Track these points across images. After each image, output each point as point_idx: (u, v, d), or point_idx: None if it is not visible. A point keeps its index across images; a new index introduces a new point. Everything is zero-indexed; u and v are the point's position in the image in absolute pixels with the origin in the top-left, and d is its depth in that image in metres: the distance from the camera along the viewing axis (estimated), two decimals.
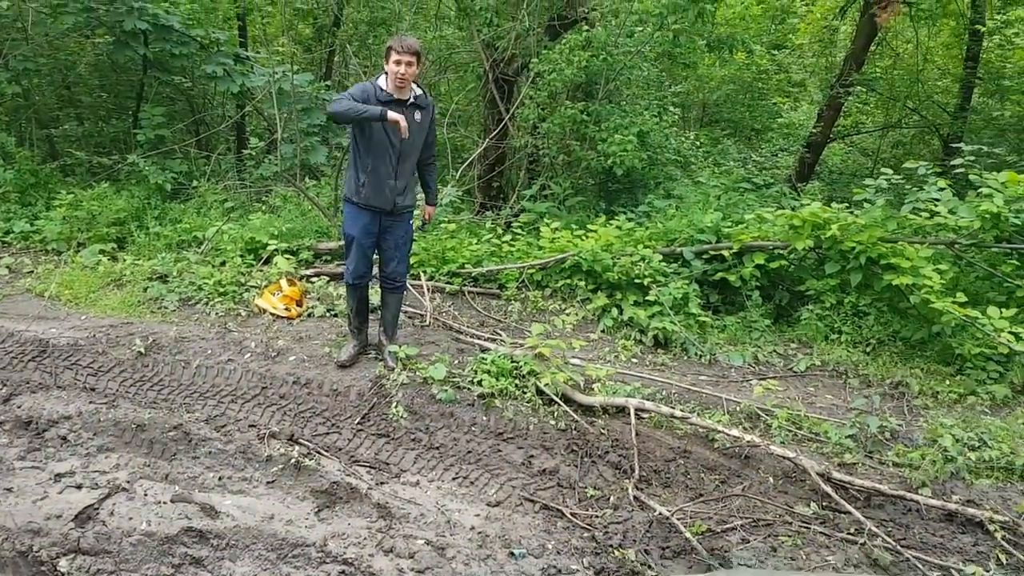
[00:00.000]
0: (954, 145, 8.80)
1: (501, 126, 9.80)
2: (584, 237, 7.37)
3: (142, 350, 5.67)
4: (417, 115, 5.18)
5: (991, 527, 4.30)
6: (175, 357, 5.67)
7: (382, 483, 4.54)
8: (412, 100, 5.14)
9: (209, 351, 5.76)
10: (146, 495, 4.22)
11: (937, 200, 6.76)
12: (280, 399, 5.28)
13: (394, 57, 4.93)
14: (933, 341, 6.39)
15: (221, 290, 6.73)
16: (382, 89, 5.07)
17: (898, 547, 4.12)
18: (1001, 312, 5.92)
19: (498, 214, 9.17)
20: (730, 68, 14.47)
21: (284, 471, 4.52)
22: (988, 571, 3.94)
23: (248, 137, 11.47)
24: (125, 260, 7.29)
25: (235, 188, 9.54)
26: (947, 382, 5.98)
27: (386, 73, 5.05)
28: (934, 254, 6.54)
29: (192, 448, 4.71)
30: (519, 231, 8.13)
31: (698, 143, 11.36)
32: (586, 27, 9.16)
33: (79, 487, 4.25)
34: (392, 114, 4.85)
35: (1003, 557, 4.14)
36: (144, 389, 5.36)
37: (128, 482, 4.31)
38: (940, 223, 6.60)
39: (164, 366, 5.59)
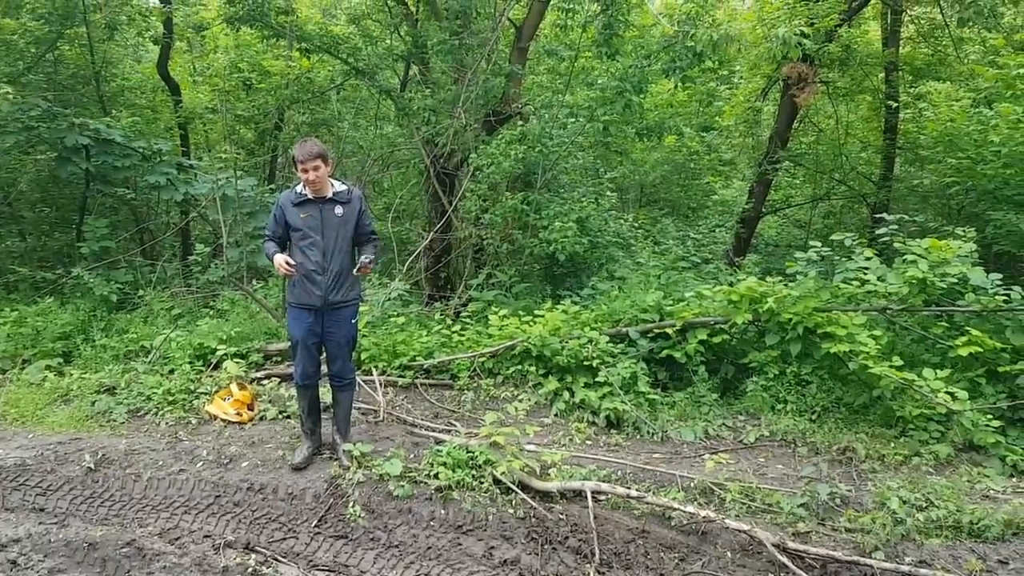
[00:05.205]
0: (877, 216, 9.18)
1: (445, 219, 10.02)
2: (532, 323, 7.49)
3: (92, 466, 5.58)
4: (339, 210, 5.37)
5: None
6: (126, 471, 5.59)
7: None
8: (331, 196, 5.33)
9: (160, 462, 5.69)
10: None
11: (866, 269, 7.05)
12: (235, 507, 5.22)
13: (300, 167, 5.16)
14: (875, 405, 6.55)
15: (171, 399, 6.69)
16: (298, 192, 5.30)
17: None
18: (936, 373, 6.14)
19: (446, 304, 9.28)
20: (662, 151, 14.99)
21: None
22: None
23: (193, 243, 11.53)
24: (72, 375, 7.22)
25: (182, 295, 9.54)
26: (892, 444, 6.13)
27: None
28: (868, 320, 6.77)
29: (146, 563, 4.61)
30: (468, 320, 8.24)
31: (636, 224, 11.67)
32: (521, 121, 9.51)
33: None
34: (276, 258, 5.22)
35: None
36: (95, 506, 5.26)
37: None
38: (871, 290, 6.87)
39: (115, 481, 5.50)
